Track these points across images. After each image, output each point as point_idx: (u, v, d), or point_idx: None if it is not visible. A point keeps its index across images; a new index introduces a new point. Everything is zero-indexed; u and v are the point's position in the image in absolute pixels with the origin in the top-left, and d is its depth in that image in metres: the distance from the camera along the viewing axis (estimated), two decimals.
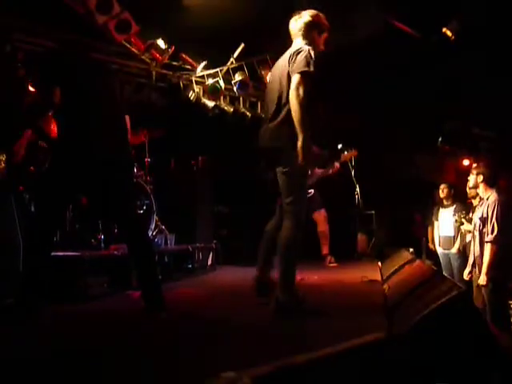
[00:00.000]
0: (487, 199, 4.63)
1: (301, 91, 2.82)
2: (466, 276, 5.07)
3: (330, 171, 6.25)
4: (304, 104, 2.82)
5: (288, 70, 2.95)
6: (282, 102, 2.97)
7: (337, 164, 6.28)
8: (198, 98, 6.67)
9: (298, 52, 2.95)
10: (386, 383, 1.83)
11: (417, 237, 7.73)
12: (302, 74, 2.85)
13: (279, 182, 3.02)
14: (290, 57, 2.96)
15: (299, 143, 2.84)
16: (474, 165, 5.11)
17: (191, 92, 6.62)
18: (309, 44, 3.06)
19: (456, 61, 6.06)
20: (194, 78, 6.63)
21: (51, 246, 3.01)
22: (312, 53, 2.93)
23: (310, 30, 3.10)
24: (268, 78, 3.30)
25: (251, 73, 6.68)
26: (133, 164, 4.05)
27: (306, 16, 3.12)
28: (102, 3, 4.79)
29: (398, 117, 7.35)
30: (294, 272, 2.98)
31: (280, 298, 2.89)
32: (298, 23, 3.13)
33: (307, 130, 2.85)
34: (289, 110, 2.91)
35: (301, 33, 3.11)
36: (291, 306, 2.86)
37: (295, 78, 2.86)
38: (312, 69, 2.86)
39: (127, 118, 3.28)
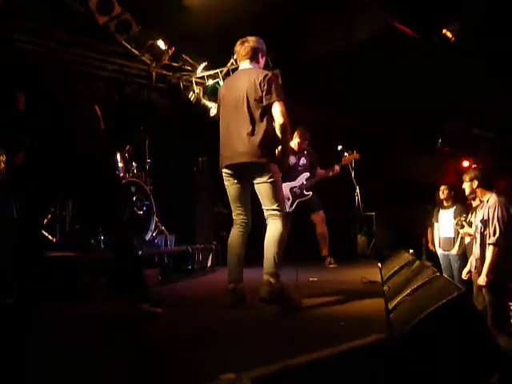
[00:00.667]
0: (487, 201, 4.63)
1: (285, 116, 3.29)
2: (464, 275, 5.08)
3: (330, 174, 6.25)
4: (288, 126, 3.33)
5: (260, 94, 3.31)
6: (257, 121, 3.32)
7: (337, 167, 6.28)
8: (198, 99, 6.68)
9: (267, 78, 3.33)
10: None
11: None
12: (280, 101, 3.29)
13: (261, 192, 3.38)
14: (261, 82, 3.32)
15: (284, 158, 3.45)
16: (465, 175, 5.09)
17: (191, 93, 6.63)
18: (256, 66, 3.55)
19: (456, 61, 6.07)
20: (194, 79, 6.64)
21: (38, 244, 3.03)
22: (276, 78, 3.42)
23: (255, 54, 3.54)
24: (223, 92, 3.59)
25: None
26: (107, 155, 3.91)
27: (251, 41, 3.54)
28: (103, 4, 4.79)
29: (398, 117, 7.36)
30: None
31: (274, 285, 3.17)
32: (244, 47, 3.54)
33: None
34: (266, 129, 3.32)
35: (248, 56, 3.53)
36: (281, 291, 3.15)
37: (278, 107, 3.28)
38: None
39: (97, 108, 3.24)
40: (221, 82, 6.60)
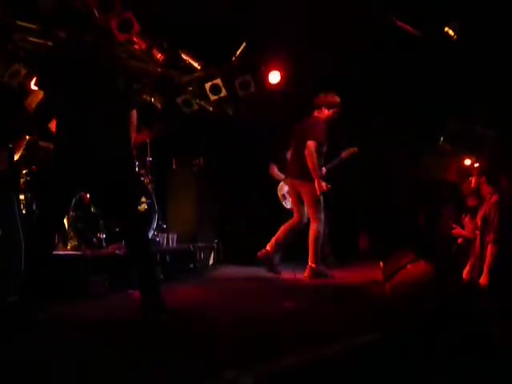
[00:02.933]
0: (489, 199, 4.62)
1: None
2: (464, 275, 5.09)
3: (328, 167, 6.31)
4: None
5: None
6: None
7: (335, 162, 6.30)
8: (199, 98, 6.68)
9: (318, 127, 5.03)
10: (386, 381, 1.83)
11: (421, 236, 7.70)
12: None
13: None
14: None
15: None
16: (476, 164, 5.15)
17: (192, 91, 6.63)
18: (319, 115, 5.14)
19: (458, 59, 6.05)
20: (195, 78, 6.63)
21: (52, 244, 3.01)
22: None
23: (321, 106, 5.14)
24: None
25: (253, 72, 6.68)
26: (132, 161, 3.97)
27: (322, 96, 5.17)
28: (104, 2, 4.78)
29: (401, 115, 7.34)
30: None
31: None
32: (317, 99, 5.19)
33: None
34: None
35: (317, 106, 5.15)
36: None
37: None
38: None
39: (134, 113, 3.20)
40: (222, 81, 6.58)
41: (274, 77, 6.39)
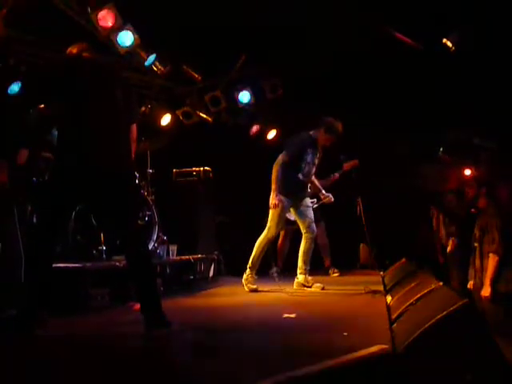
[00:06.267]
0: (486, 210, 4.62)
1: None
2: (454, 284, 5.10)
3: (331, 179, 6.32)
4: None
5: None
6: None
7: (337, 174, 6.33)
8: (199, 109, 6.71)
9: None
10: None
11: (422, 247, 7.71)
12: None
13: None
14: None
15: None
16: (471, 181, 5.24)
17: (192, 103, 6.66)
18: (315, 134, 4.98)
19: (457, 71, 6.09)
20: (195, 90, 6.67)
21: (52, 257, 3.00)
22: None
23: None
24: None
25: (252, 84, 6.72)
26: (133, 175, 3.98)
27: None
28: (105, 16, 4.81)
29: (401, 127, 7.36)
30: None
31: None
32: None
33: None
34: None
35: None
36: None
37: None
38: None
39: (134, 127, 3.21)
40: (222, 93, 6.62)
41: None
